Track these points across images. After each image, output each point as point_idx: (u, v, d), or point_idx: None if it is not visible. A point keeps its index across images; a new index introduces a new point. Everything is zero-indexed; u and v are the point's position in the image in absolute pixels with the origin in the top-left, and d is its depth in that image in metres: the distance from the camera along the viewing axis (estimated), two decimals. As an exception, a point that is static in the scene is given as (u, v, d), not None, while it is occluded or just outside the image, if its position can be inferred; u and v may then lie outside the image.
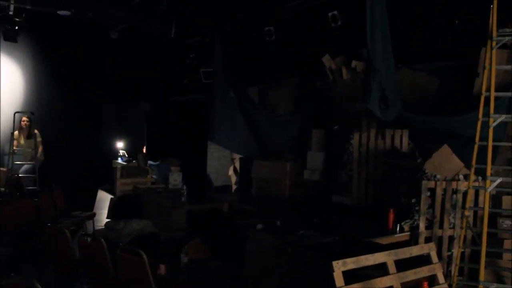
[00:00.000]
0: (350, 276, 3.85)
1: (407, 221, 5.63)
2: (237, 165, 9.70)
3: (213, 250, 6.42)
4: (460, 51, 6.16)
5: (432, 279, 4.22)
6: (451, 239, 5.59)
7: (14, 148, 8.04)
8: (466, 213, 5.03)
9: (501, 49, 5.16)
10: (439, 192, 5.54)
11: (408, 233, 5.64)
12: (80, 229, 6.50)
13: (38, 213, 5.95)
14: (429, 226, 5.61)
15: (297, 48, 8.06)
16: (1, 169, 7.76)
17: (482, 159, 4.87)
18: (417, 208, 5.58)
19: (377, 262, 3.93)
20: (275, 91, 9.22)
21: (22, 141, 8.22)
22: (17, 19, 7.22)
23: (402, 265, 4.11)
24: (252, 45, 8.65)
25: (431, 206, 5.60)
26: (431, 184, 5.56)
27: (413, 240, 5.56)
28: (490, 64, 4.34)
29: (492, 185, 3.62)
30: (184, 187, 7.58)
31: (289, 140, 8.58)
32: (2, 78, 8.12)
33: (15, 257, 5.70)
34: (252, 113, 8.59)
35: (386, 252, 4.03)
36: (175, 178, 8.45)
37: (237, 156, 9.70)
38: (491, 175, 4.52)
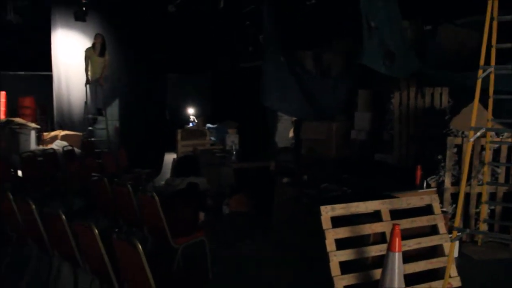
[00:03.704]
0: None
1: (432, 177, 5.70)
2: (296, 126, 10.04)
3: (253, 204, 7.04)
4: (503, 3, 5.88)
5: (434, 230, 4.33)
6: (480, 196, 5.58)
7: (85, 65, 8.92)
8: (486, 168, 5.00)
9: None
10: (465, 148, 5.52)
11: (435, 189, 5.71)
12: (140, 184, 7.40)
13: (102, 170, 6.92)
14: (456, 183, 5.64)
15: (341, 9, 8.10)
16: (78, 133, 8.96)
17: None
18: (442, 164, 5.62)
19: (369, 210, 4.12)
20: (327, 54, 9.34)
21: (94, 57, 9.02)
22: (84, 1, 8.16)
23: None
24: (301, 9, 8.81)
25: (458, 162, 5.61)
26: (458, 140, 5.56)
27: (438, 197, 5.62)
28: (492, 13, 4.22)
29: (474, 135, 3.69)
30: (233, 147, 8.16)
31: (340, 102, 8.71)
32: (77, 55, 9.20)
33: (85, 207, 6.76)
34: (303, 77, 8.81)
35: (380, 201, 4.18)
36: (232, 139, 9.08)
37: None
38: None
